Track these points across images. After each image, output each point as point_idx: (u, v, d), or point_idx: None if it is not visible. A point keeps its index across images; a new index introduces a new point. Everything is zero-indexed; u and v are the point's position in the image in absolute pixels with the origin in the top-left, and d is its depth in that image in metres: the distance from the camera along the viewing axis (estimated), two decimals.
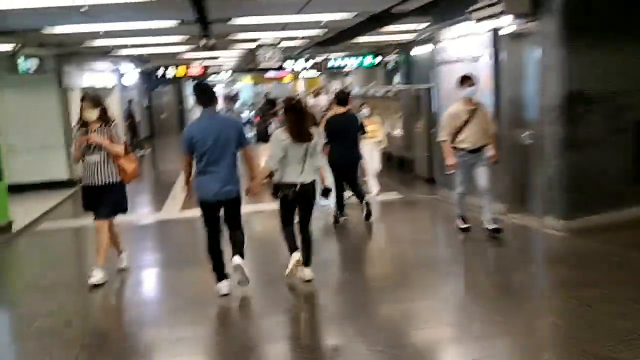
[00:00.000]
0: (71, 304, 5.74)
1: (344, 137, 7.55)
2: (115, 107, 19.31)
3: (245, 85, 38.31)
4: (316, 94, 18.86)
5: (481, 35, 7.93)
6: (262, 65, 12.21)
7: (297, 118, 5.14)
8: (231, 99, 21.97)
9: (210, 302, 5.27)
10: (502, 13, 6.78)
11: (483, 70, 7.89)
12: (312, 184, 5.31)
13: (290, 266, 5.36)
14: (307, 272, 5.40)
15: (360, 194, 7.93)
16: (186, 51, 14.37)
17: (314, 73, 31.89)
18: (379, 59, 19.51)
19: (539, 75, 6.83)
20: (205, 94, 5.12)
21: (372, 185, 9.89)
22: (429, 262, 6.32)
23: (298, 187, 5.19)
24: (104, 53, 13.75)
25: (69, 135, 13.48)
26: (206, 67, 19.20)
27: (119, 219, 6.36)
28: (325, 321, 5.07)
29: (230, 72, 32.66)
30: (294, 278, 5.47)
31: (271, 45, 12.24)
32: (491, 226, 6.71)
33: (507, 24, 7.32)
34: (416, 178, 11.75)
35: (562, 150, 6.66)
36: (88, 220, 6.44)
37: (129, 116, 19.56)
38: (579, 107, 6.63)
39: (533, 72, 7.05)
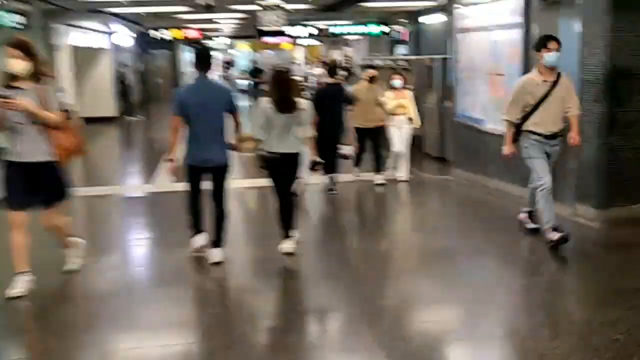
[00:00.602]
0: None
1: (329, 107, 7.52)
2: (106, 70, 18.50)
3: (243, 52, 37.29)
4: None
5: (510, 1, 7.17)
6: (265, 28, 11.39)
7: (282, 88, 5.11)
8: (227, 64, 21.28)
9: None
10: None
11: (510, 41, 7.16)
12: (296, 155, 5.28)
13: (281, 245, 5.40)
14: (288, 244, 5.34)
15: (332, 170, 7.90)
16: (183, 12, 13.49)
17: (313, 41, 31.22)
18: (384, 28, 18.67)
19: (578, 49, 6.09)
20: (204, 58, 5.08)
21: (401, 168, 8.69)
22: (448, 253, 5.66)
23: (280, 156, 5.16)
24: (95, 11, 12.85)
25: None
26: (204, 31, 18.27)
27: (105, 190, 5.56)
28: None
29: (228, 38, 31.78)
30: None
31: (275, 6, 11.41)
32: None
33: None
34: (426, 157, 11.06)
35: (601, 131, 5.98)
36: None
37: (121, 80, 18.69)
38: (623, 85, 5.93)
39: (570, 46, 6.29)
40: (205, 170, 5.03)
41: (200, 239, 5.31)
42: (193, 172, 5.07)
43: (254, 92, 18.62)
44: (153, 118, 19.48)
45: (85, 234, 5.66)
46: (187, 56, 33.37)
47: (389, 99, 8.40)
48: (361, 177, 8.65)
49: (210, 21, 18.25)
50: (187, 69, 37.26)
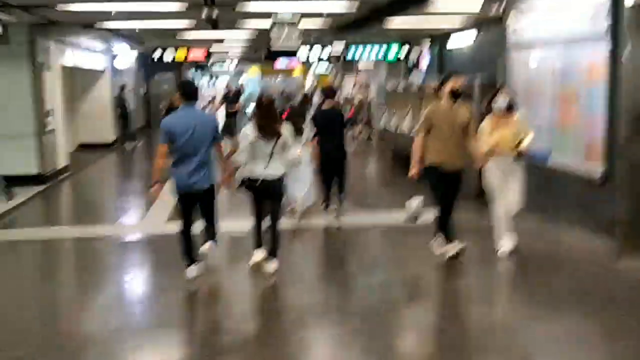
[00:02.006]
0: None
1: (328, 130, 7.57)
2: (105, 93, 17.20)
3: (252, 78, 36.12)
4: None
5: (589, 6, 5.74)
6: (277, 47, 10.00)
7: (264, 115, 5.34)
8: (235, 94, 19.81)
9: None
10: None
11: (590, 58, 5.71)
12: (279, 179, 5.46)
13: (252, 260, 5.57)
14: (270, 265, 5.49)
15: (340, 194, 7.78)
16: (186, 28, 12.13)
17: (324, 68, 30.10)
18: (405, 49, 17.30)
19: None
20: (188, 90, 5.35)
21: (502, 235, 6.11)
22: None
23: (260, 181, 5.34)
24: (87, 25, 11.50)
25: (42, 122, 11.32)
26: (209, 51, 16.95)
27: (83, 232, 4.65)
28: None
29: (235, 61, 30.64)
30: (257, 271, 5.57)
31: (289, 23, 10.02)
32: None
33: None
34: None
35: None
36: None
37: (121, 104, 17.34)
38: None
39: None
40: (192, 195, 5.26)
41: (193, 271, 5.43)
42: (181, 199, 5.30)
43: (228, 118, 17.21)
44: (154, 144, 17.97)
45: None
46: (195, 77, 32.29)
47: (487, 129, 5.86)
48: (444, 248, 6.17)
49: (217, 42, 16.94)
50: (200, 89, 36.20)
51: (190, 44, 16.42)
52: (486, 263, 6.08)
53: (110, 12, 9.09)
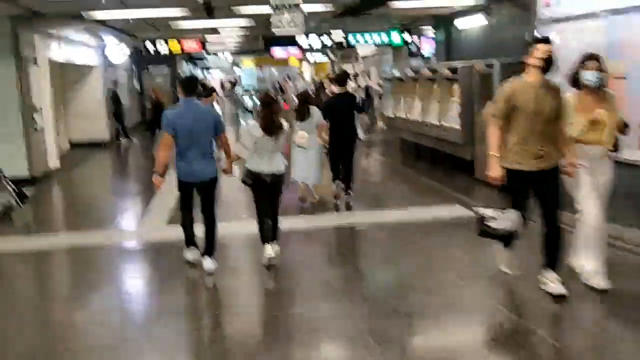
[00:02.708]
0: None
1: (339, 116, 7.84)
2: (97, 89, 16.50)
3: (246, 70, 35.38)
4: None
5: None
6: (279, 32, 9.34)
7: (267, 112, 5.43)
8: (232, 84, 19.36)
9: None
10: None
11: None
12: (283, 174, 5.62)
13: (266, 255, 5.55)
14: (269, 249, 5.56)
15: (348, 180, 8.03)
16: (180, 17, 11.42)
17: (322, 57, 29.42)
18: (406, 36, 16.67)
19: None
20: (189, 84, 5.42)
21: (584, 256, 4.72)
22: None
23: (266, 176, 5.45)
24: (74, 16, 10.79)
25: (29, 121, 10.64)
26: (204, 42, 16.24)
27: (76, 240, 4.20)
28: None
29: (230, 54, 29.90)
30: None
31: (290, 5, 9.35)
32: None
33: None
34: (477, 183, 8.96)
35: None
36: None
37: (114, 100, 16.65)
38: None
39: None
40: (193, 184, 5.39)
41: (191, 254, 5.65)
42: (183, 187, 5.45)
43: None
44: (150, 142, 17.21)
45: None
46: (189, 70, 31.54)
47: (574, 111, 4.57)
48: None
49: (212, 31, 16.24)
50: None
51: (184, 35, 15.71)
52: (582, 304, 4.55)
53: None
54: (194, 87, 5.44)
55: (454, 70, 9.55)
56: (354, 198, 8.09)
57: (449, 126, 9.86)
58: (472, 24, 12.70)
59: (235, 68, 36.71)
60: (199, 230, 5.57)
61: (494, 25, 11.37)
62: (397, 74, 12.56)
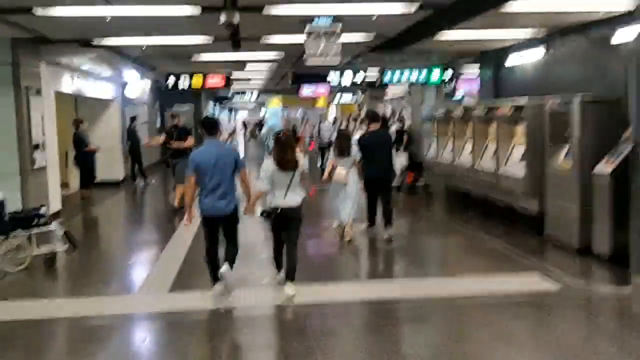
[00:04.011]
0: None
1: (375, 153, 7.89)
2: (113, 125, 15.41)
3: (272, 110, 34.44)
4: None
5: None
6: (312, 61, 8.10)
7: (282, 149, 5.69)
8: (256, 125, 18.29)
9: None
10: None
11: None
12: (299, 208, 5.74)
13: (277, 279, 5.93)
14: (288, 289, 5.66)
15: (388, 215, 8.00)
16: (202, 44, 10.25)
17: (350, 98, 28.39)
18: (448, 73, 15.35)
19: None
20: (210, 125, 5.82)
21: None
22: None
23: (280, 209, 5.66)
24: (84, 43, 9.68)
25: (27, 158, 9.43)
26: (228, 78, 15.10)
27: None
28: None
29: (256, 93, 29.02)
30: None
31: (326, 32, 8.11)
32: None
33: None
34: (548, 244, 7.48)
35: None
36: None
37: (131, 138, 15.48)
38: None
39: None
40: (218, 219, 5.68)
41: (219, 288, 5.67)
42: (207, 222, 5.73)
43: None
44: (169, 182, 15.91)
45: None
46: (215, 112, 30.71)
47: None
48: None
49: (237, 67, 15.12)
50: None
51: (207, 69, 14.60)
52: None
53: (105, 19, 7.19)
54: (215, 127, 5.81)
55: (519, 108, 8.12)
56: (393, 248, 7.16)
57: (509, 174, 8.39)
58: (525, 59, 11.33)
59: (262, 108, 35.88)
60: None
61: (552, 60, 9.97)
62: (441, 113, 11.19)
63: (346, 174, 7.73)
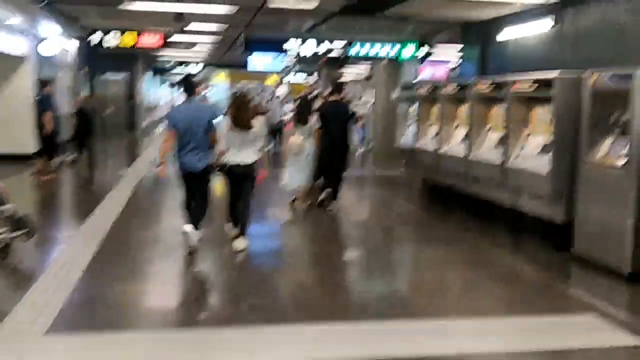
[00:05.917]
0: None
1: (333, 123, 7.98)
2: (24, 88, 12.75)
3: (218, 85, 31.90)
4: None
5: None
6: (279, 2, 5.99)
7: (237, 110, 5.98)
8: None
9: None
10: None
11: None
12: (251, 165, 6.05)
13: (234, 248, 6.06)
14: (240, 243, 6.06)
15: (336, 186, 8.14)
16: None
17: (302, 78, 26.43)
18: (424, 49, 13.50)
19: None
20: (189, 85, 6.20)
21: None
22: None
23: (230, 165, 6.00)
24: None
25: None
26: (167, 40, 12.70)
27: None
28: None
29: (201, 65, 26.54)
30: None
31: None
32: None
33: None
34: (578, 264, 5.68)
35: None
36: None
37: (47, 105, 12.79)
38: None
39: None
40: (191, 174, 6.02)
41: (189, 227, 5.92)
42: (183, 177, 6.09)
43: None
44: (94, 159, 13.26)
45: None
46: (152, 83, 27.96)
47: None
48: None
49: (178, 25, 12.74)
50: (157, 99, 31.65)
51: (142, 25, 12.16)
52: None
53: None
54: (194, 88, 6.12)
55: (546, 83, 6.22)
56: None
57: (523, 168, 6.55)
58: (525, 32, 9.57)
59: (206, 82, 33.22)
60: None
61: (564, 33, 8.21)
62: (425, 91, 9.25)
63: (300, 143, 7.85)
